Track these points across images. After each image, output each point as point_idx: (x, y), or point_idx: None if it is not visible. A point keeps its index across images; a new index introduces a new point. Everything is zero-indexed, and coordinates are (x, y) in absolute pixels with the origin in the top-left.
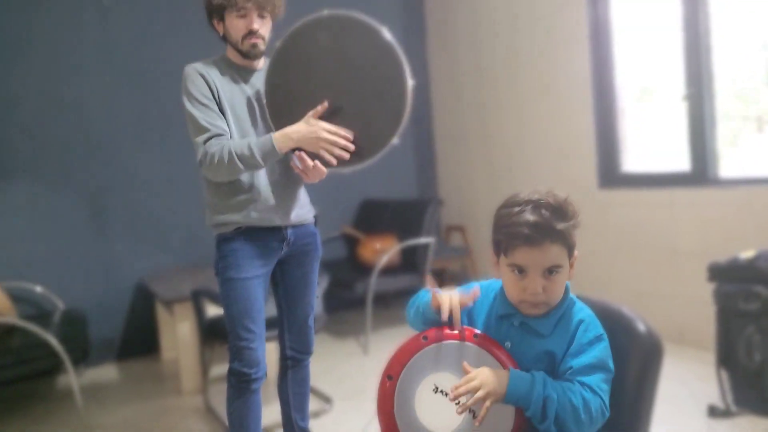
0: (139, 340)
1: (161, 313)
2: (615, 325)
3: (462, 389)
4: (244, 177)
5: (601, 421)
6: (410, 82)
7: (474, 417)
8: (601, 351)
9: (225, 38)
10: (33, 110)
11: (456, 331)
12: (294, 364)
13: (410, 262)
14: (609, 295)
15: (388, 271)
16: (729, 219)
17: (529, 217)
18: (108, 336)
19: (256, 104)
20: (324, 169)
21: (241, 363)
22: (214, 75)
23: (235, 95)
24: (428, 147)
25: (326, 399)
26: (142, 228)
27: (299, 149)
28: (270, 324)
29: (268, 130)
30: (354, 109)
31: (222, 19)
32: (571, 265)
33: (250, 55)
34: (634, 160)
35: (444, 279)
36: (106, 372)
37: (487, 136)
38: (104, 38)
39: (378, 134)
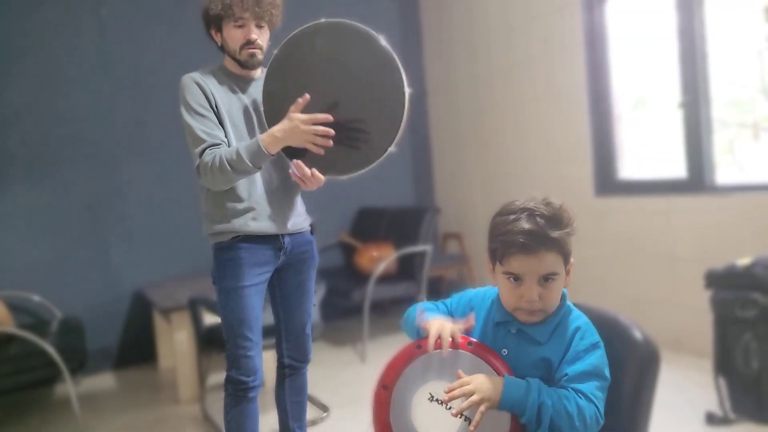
0: (136, 349)
1: (158, 321)
2: (612, 332)
3: (456, 392)
4: (242, 186)
5: (596, 429)
6: (407, 91)
7: (470, 424)
8: (597, 359)
9: (222, 48)
10: (31, 120)
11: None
12: (291, 372)
13: (407, 270)
14: (606, 302)
15: (385, 279)
16: (726, 226)
17: (525, 225)
18: (105, 345)
19: (253, 113)
20: (322, 177)
21: (239, 371)
22: (211, 84)
23: (233, 105)
24: (425, 155)
25: (323, 407)
26: (139, 237)
27: (295, 157)
28: (267, 332)
29: None
30: (351, 117)
31: (219, 29)
32: (567, 273)
33: (248, 64)
34: (630, 167)
35: (441, 287)
36: (104, 381)
37: (484, 144)
38: (102, 49)
39: (375, 142)
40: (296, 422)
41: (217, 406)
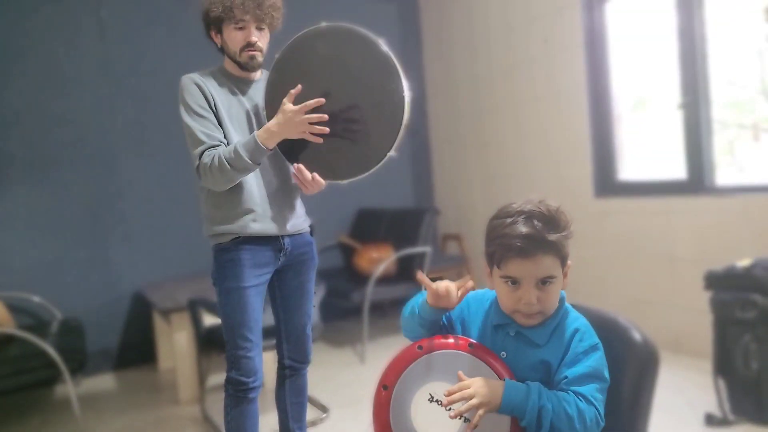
0: (136, 350)
1: (158, 322)
2: (611, 334)
3: (456, 396)
4: (242, 188)
5: (597, 431)
6: (408, 95)
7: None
8: (596, 360)
9: (222, 50)
10: (31, 121)
11: (451, 341)
12: (292, 373)
13: (407, 271)
14: (606, 304)
15: (385, 280)
16: (725, 227)
17: (522, 228)
18: (105, 346)
19: (253, 116)
20: (323, 181)
21: (239, 372)
22: (211, 86)
23: (233, 106)
24: (424, 156)
25: (323, 408)
26: (139, 238)
27: (295, 159)
28: (267, 333)
29: None
30: (351, 121)
31: (220, 31)
32: (565, 275)
33: (248, 67)
34: (630, 168)
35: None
36: (104, 382)
37: (483, 145)
38: (102, 50)
39: (375, 147)
40: (296, 423)
41: (216, 406)
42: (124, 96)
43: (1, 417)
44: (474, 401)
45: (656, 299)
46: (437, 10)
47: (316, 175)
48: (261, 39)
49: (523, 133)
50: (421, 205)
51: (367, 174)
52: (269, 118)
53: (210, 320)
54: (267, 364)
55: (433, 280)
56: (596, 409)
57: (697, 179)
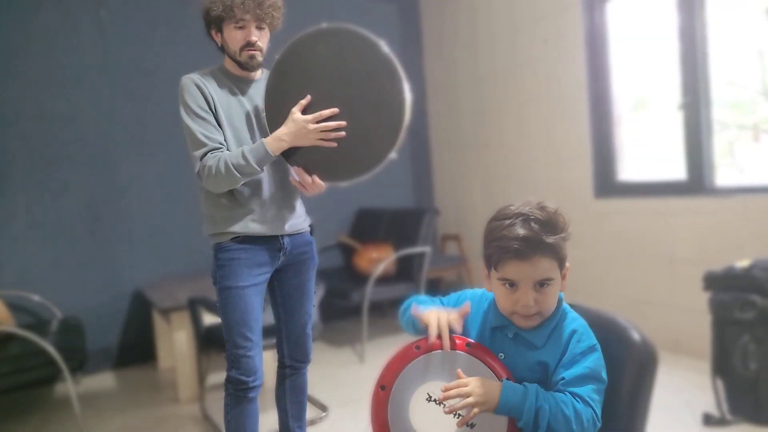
0: (136, 349)
1: (158, 321)
2: (609, 334)
3: (452, 392)
4: (241, 188)
5: (594, 431)
6: (408, 97)
7: (470, 426)
8: (594, 362)
9: (223, 49)
10: (31, 121)
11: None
12: (292, 372)
13: (406, 271)
14: (605, 304)
15: (384, 280)
16: (725, 228)
17: (519, 231)
18: (105, 345)
19: (253, 116)
20: (323, 183)
21: (239, 371)
22: (211, 86)
23: (233, 106)
24: (424, 156)
25: (323, 407)
26: (138, 237)
27: (295, 162)
28: (267, 332)
29: None
30: (352, 122)
31: (220, 30)
32: (563, 277)
33: (248, 66)
34: (630, 168)
35: (440, 288)
36: (104, 380)
37: (483, 145)
38: (102, 50)
39: (376, 148)
40: (296, 422)
41: (216, 405)
42: (124, 95)
43: (2, 415)
44: (470, 400)
45: (655, 299)
46: (437, 10)
47: (316, 177)
48: (261, 38)
49: (522, 133)
50: (421, 205)
51: (367, 176)
52: (269, 120)
53: (210, 319)
54: (267, 363)
55: (434, 281)
56: (593, 410)
57: (697, 180)
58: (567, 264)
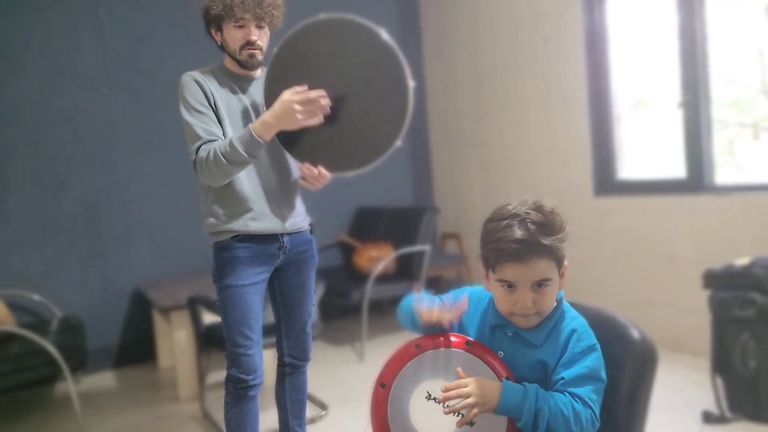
0: (136, 348)
1: (158, 320)
2: (609, 332)
3: (452, 393)
4: (241, 186)
5: (592, 431)
6: (411, 84)
7: (470, 425)
8: (593, 361)
9: (222, 48)
10: (30, 120)
11: (448, 339)
12: (292, 370)
13: (406, 270)
14: (605, 302)
15: (384, 278)
16: (725, 226)
17: (516, 233)
18: (105, 344)
19: (253, 113)
20: (328, 174)
21: (239, 369)
22: (211, 84)
23: (233, 104)
24: (424, 154)
25: (322, 405)
26: (138, 236)
27: (296, 152)
28: (267, 331)
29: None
30: (355, 113)
31: (220, 29)
32: (562, 276)
33: (248, 65)
34: (630, 167)
35: (439, 287)
36: (104, 379)
37: (483, 144)
38: (101, 49)
39: (381, 137)
40: (296, 420)
41: (216, 404)
42: (123, 94)
43: (2, 415)
44: (470, 400)
45: (655, 298)
46: (437, 7)
47: (321, 168)
48: (261, 37)
49: (522, 131)
50: (421, 203)
51: (373, 165)
52: None
53: (209, 318)
54: (267, 361)
55: (433, 279)
56: (592, 410)
57: (697, 178)
58: (565, 263)
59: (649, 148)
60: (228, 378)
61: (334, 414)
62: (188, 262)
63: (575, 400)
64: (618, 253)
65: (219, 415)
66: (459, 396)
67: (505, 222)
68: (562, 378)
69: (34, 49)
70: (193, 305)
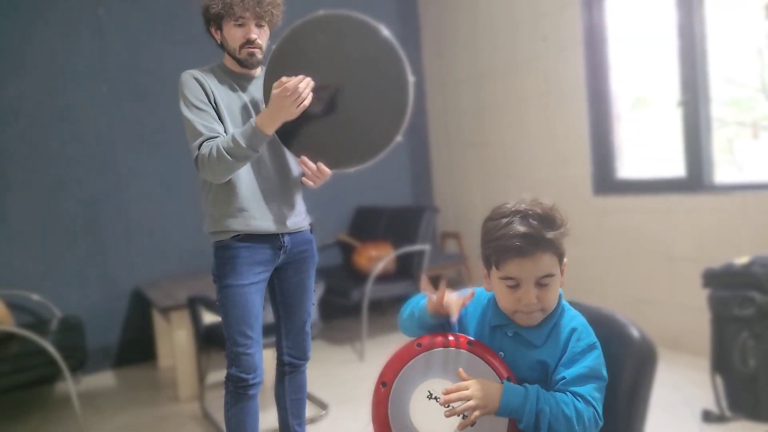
0: (136, 348)
1: (158, 320)
2: (608, 331)
3: (453, 396)
4: (242, 185)
5: (595, 430)
6: (411, 79)
7: (471, 425)
8: (594, 360)
9: (222, 46)
10: (30, 119)
11: (450, 339)
12: (291, 370)
13: (406, 269)
14: (604, 302)
15: (384, 278)
16: (724, 225)
17: (519, 228)
18: (105, 343)
19: (253, 111)
20: (328, 170)
21: (239, 368)
22: (211, 82)
23: (233, 102)
24: (423, 153)
25: (322, 405)
26: (138, 236)
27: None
28: (267, 330)
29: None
30: (355, 109)
31: (220, 27)
32: (562, 272)
33: (248, 64)
34: (629, 166)
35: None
36: (104, 379)
37: (482, 143)
38: (100, 48)
39: (381, 132)
40: (296, 419)
41: (216, 404)
42: (123, 93)
43: (2, 415)
44: (471, 403)
45: (655, 297)
46: (436, 6)
47: (321, 164)
48: (261, 36)
49: (522, 131)
50: (420, 203)
51: (373, 161)
52: None
53: (209, 318)
54: (267, 361)
55: (433, 278)
56: (594, 408)
57: (696, 177)
58: (565, 260)
59: (648, 147)
60: (228, 377)
61: (333, 413)
62: (188, 262)
63: (577, 400)
64: (617, 252)
65: (219, 414)
66: (460, 399)
67: (507, 219)
68: (564, 377)
69: (34, 49)
70: (193, 305)
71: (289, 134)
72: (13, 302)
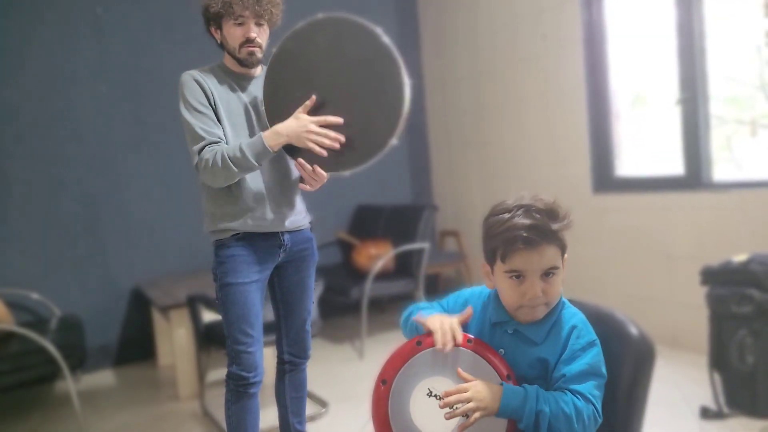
0: (135, 346)
1: (158, 319)
2: (607, 328)
3: (453, 398)
4: (241, 185)
5: (594, 427)
6: (408, 82)
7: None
8: (594, 357)
9: (222, 46)
10: (29, 119)
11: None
12: (291, 368)
13: (405, 268)
14: (603, 299)
15: (383, 276)
16: (722, 223)
17: (524, 220)
18: (105, 342)
19: (252, 112)
20: (324, 174)
21: (240, 367)
22: (210, 82)
23: (232, 102)
24: (423, 152)
25: (322, 403)
26: (137, 235)
27: (295, 154)
28: (267, 329)
29: None
30: (352, 110)
31: (219, 26)
32: (563, 266)
33: (247, 63)
34: (628, 164)
35: (439, 285)
36: (104, 378)
37: (481, 142)
38: (99, 48)
39: (377, 135)
40: (296, 417)
41: (216, 402)
42: (122, 92)
43: (2, 414)
44: (471, 405)
45: (654, 295)
46: (435, 5)
47: (317, 167)
48: (260, 35)
49: (521, 129)
50: (420, 201)
51: (369, 164)
52: (268, 112)
53: (209, 316)
54: (267, 359)
55: (432, 277)
56: (594, 406)
57: (695, 175)
58: (565, 254)
59: (647, 145)
60: (229, 375)
61: (333, 411)
62: (187, 261)
63: (577, 398)
64: (616, 249)
65: (219, 413)
66: (459, 401)
67: (511, 213)
68: (564, 375)
69: (33, 49)
70: (193, 303)
71: None
72: (13, 301)
